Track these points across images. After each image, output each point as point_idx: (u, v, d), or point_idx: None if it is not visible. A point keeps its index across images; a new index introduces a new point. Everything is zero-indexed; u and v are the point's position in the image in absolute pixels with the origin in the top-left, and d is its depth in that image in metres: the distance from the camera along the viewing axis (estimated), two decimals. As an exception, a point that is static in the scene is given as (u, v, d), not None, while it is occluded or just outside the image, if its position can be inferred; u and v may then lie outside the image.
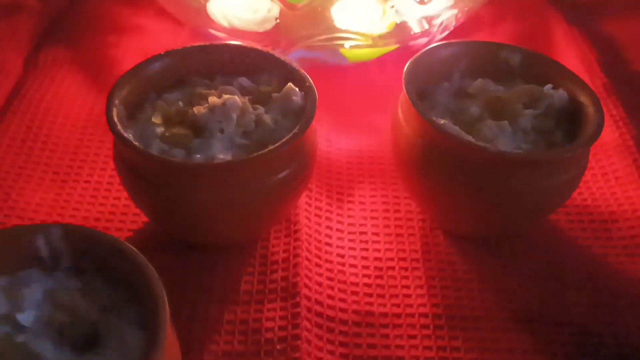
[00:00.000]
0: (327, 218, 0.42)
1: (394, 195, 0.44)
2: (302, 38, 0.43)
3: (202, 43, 0.40)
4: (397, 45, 0.47)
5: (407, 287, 0.39)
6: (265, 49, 0.40)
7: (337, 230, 0.42)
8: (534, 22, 0.59)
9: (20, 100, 0.49)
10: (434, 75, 0.41)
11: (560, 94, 0.39)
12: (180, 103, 0.37)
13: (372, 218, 0.42)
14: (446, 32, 0.49)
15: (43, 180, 0.44)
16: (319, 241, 0.41)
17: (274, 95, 0.37)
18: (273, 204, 0.36)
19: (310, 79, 0.37)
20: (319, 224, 0.42)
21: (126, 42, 0.56)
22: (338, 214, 0.42)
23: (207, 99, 0.36)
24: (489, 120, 0.37)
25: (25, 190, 0.43)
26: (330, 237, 0.41)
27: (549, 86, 0.39)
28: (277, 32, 0.47)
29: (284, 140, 0.34)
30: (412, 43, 0.46)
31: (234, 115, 0.35)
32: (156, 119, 0.35)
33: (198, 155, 0.34)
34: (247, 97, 0.37)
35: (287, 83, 0.38)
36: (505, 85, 0.41)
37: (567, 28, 0.58)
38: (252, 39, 0.47)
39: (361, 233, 0.41)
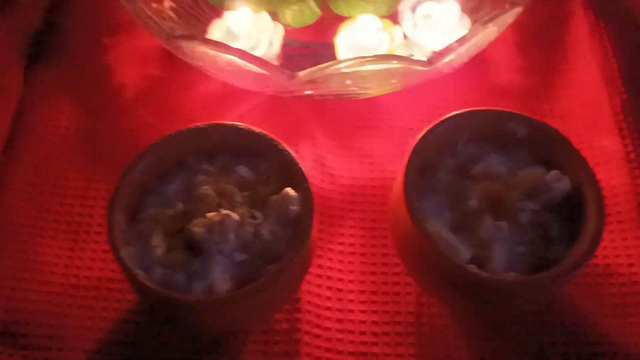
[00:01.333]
0: (328, 277, 0.44)
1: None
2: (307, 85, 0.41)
3: (200, 124, 0.39)
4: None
5: (401, 356, 0.41)
6: (263, 133, 0.39)
7: (337, 290, 0.44)
8: (554, 17, 0.54)
9: (24, 133, 0.49)
10: (437, 146, 0.40)
11: (564, 184, 0.38)
12: (181, 204, 0.37)
13: (371, 273, 0.44)
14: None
15: (56, 233, 0.45)
16: (319, 306, 0.43)
17: (272, 198, 0.37)
18: (273, 301, 0.38)
19: (307, 179, 0.37)
20: (320, 285, 0.43)
21: (120, 44, 0.54)
22: (338, 270, 0.44)
23: (206, 201, 0.37)
24: (486, 219, 0.37)
25: (41, 246, 0.45)
26: (330, 299, 0.43)
27: (552, 174, 0.38)
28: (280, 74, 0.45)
29: (281, 264, 0.35)
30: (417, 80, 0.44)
31: (232, 235, 0.35)
32: (156, 241, 0.36)
33: (197, 284, 0.35)
34: (245, 192, 0.38)
35: (285, 177, 0.38)
36: (509, 157, 0.40)
37: (590, 26, 0.54)
38: (252, 80, 0.45)
39: (360, 292, 0.43)
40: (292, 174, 0.38)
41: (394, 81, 0.43)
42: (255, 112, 0.50)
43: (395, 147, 0.48)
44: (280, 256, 0.36)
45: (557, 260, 0.37)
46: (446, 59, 0.40)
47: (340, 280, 0.44)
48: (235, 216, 0.36)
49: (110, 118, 0.50)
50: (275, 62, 0.45)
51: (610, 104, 0.50)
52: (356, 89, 0.43)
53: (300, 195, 0.37)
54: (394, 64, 0.39)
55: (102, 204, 0.47)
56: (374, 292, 0.43)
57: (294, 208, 0.37)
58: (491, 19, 0.40)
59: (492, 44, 0.46)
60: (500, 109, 0.40)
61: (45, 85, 0.52)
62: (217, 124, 0.40)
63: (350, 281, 0.44)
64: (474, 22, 0.47)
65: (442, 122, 0.40)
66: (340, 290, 0.43)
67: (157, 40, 0.45)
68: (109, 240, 0.36)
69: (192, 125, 0.39)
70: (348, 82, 0.40)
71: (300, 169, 0.38)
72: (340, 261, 0.44)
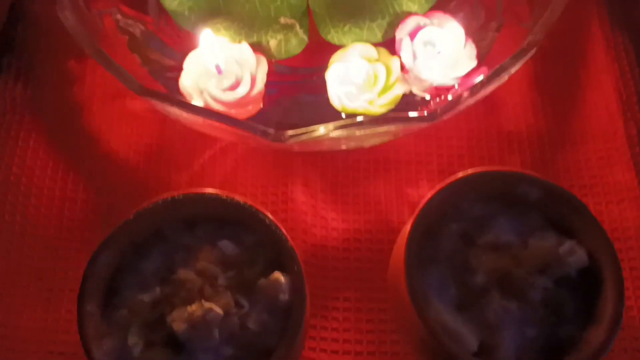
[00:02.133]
0: (322, 338, 0.41)
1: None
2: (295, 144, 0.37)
3: (181, 193, 0.35)
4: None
5: None
6: (248, 204, 0.35)
7: (332, 352, 0.41)
8: (568, 37, 0.49)
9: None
10: (441, 209, 0.36)
11: (579, 259, 0.35)
12: (159, 290, 0.34)
13: (368, 332, 0.41)
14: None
15: (28, 290, 0.42)
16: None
17: (260, 283, 0.34)
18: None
19: (298, 260, 0.34)
20: (313, 348, 0.41)
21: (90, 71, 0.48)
22: (333, 329, 0.41)
23: (187, 287, 0.33)
24: (494, 297, 0.34)
25: (14, 304, 0.41)
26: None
27: (567, 247, 0.35)
28: (266, 117, 0.41)
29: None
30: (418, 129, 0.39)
31: (216, 332, 0.32)
32: (133, 339, 0.33)
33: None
34: (230, 273, 0.34)
35: (273, 255, 0.34)
36: (519, 220, 0.36)
37: (607, 47, 0.48)
38: (232, 136, 0.40)
39: (357, 353, 0.41)
40: (281, 253, 0.34)
41: (392, 135, 0.39)
42: (241, 152, 0.45)
43: (394, 193, 0.45)
44: (270, 349, 0.33)
45: (571, 340, 0.34)
46: (451, 113, 0.36)
47: (335, 340, 0.41)
48: (218, 310, 0.32)
49: (81, 164, 0.46)
50: (259, 103, 0.41)
51: (627, 134, 0.46)
52: (351, 144, 0.39)
53: (291, 280, 0.34)
54: (391, 128, 0.34)
55: (74, 255, 0.43)
56: (371, 354, 0.41)
57: (284, 296, 0.33)
58: (504, 69, 0.35)
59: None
60: (511, 168, 0.36)
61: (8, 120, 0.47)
62: (196, 194, 0.35)
63: (346, 341, 0.41)
64: (479, 42, 0.42)
65: (447, 186, 0.36)
66: (335, 352, 0.41)
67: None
68: (80, 337, 0.33)
69: (168, 196, 0.35)
70: (341, 142, 0.36)
71: (290, 247, 0.34)
72: (335, 318, 0.41)
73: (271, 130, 0.35)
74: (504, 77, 0.36)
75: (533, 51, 0.37)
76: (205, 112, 0.35)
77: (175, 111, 0.35)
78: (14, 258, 0.43)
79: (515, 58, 0.36)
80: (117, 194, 0.45)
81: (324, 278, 0.42)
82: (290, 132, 0.34)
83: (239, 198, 0.35)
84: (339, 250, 0.43)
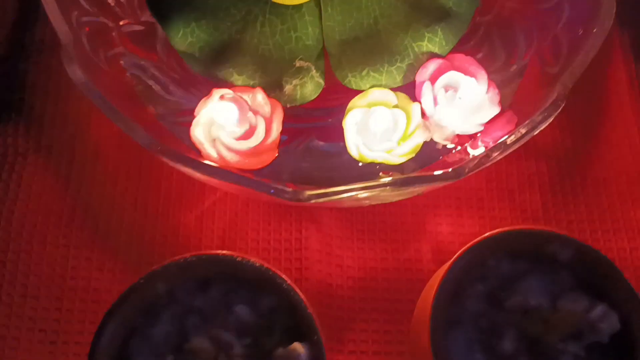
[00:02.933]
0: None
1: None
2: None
3: (190, 256, 0.33)
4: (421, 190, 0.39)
5: None
6: (264, 266, 0.33)
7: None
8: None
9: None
10: (467, 270, 0.35)
11: (611, 324, 0.33)
12: (171, 357, 0.32)
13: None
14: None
15: (31, 343, 0.40)
16: None
17: (277, 354, 0.32)
18: None
19: (318, 328, 0.32)
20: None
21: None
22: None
23: (201, 356, 0.32)
24: (523, 364, 0.33)
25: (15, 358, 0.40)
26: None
27: (598, 311, 0.33)
28: (280, 166, 0.39)
29: None
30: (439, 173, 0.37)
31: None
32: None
33: None
34: (245, 340, 0.32)
35: (291, 322, 0.32)
36: (548, 280, 0.35)
37: (631, 81, 0.47)
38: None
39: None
40: (299, 320, 0.32)
41: (416, 193, 0.37)
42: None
43: (412, 237, 0.43)
44: None
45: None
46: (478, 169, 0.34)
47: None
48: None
49: (86, 210, 0.44)
50: (274, 152, 0.39)
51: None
52: (373, 201, 0.37)
53: (310, 351, 0.32)
54: (416, 188, 0.33)
55: (79, 307, 0.41)
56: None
57: (304, 371, 0.32)
58: (534, 126, 0.34)
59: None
60: (540, 227, 0.35)
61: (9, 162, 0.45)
62: (209, 256, 0.34)
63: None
64: (502, 87, 0.41)
65: (474, 246, 0.34)
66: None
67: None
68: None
69: (179, 258, 0.34)
70: (362, 201, 0.34)
71: (309, 315, 0.32)
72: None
73: (288, 190, 0.33)
74: (534, 133, 0.35)
75: (563, 103, 0.35)
76: (218, 172, 0.33)
77: (186, 170, 0.33)
78: (16, 309, 0.41)
79: (546, 112, 0.34)
80: (123, 239, 0.43)
81: (340, 330, 0.41)
82: (308, 193, 0.32)
83: (254, 260, 0.33)
84: (356, 300, 0.42)
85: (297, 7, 0.41)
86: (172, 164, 0.34)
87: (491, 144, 0.37)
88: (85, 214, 0.43)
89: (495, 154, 0.34)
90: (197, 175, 0.33)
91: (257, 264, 0.33)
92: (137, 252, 0.43)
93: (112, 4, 0.43)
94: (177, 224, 0.44)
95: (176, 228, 0.43)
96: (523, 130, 0.35)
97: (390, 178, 0.33)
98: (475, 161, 0.34)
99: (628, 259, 0.43)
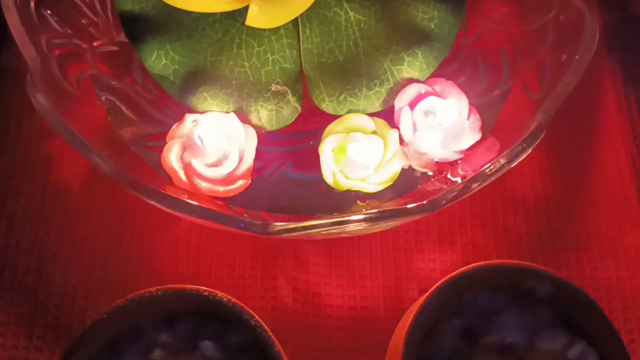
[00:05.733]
0: None
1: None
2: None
3: (156, 290, 0.32)
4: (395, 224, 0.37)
5: None
6: (232, 302, 0.32)
7: None
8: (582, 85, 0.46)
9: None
10: (442, 304, 0.34)
11: (590, 363, 0.32)
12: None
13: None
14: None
15: (-2, 373, 0.39)
16: None
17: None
18: None
19: (286, 367, 0.31)
20: None
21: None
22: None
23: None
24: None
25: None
26: None
27: (577, 350, 0.32)
28: (256, 196, 0.38)
29: None
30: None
31: None
32: None
33: None
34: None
35: (259, 357, 0.31)
36: (526, 315, 0.34)
37: (622, 103, 0.46)
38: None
39: None
40: (267, 357, 0.31)
41: (391, 226, 0.36)
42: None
43: (392, 265, 0.42)
44: None
45: None
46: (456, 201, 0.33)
47: None
48: None
49: (60, 237, 0.43)
50: (247, 179, 0.38)
51: (640, 201, 0.43)
52: (346, 235, 0.36)
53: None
54: (390, 222, 0.32)
55: (51, 335, 0.40)
56: None
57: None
58: (513, 156, 0.33)
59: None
60: (519, 262, 0.34)
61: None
62: (175, 290, 0.33)
63: None
64: (483, 112, 0.40)
65: (448, 282, 0.33)
66: None
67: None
68: None
69: (145, 292, 0.33)
70: (333, 231, 0.33)
71: (278, 353, 0.31)
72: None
73: (257, 222, 0.32)
74: (513, 164, 0.33)
75: (543, 133, 0.34)
76: (183, 205, 0.32)
77: (153, 203, 0.32)
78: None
79: (525, 143, 0.33)
80: (98, 265, 0.42)
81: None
82: (279, 227, 0.31)
83: (222, 295, 0.32)
84: (333, 330, 0.41)
85: (275, 29, 0.40)
86: (139, 195, 0.33)
87: (471, 173, 0.36)
88: (60, 239, 0.42)
89: (474, 185, 0.33)
90: (164, 209, 0.32)
91: (225, 299, 0.32)
92: (111, 282, 0.42)
93: (86, 23, 0.42)
94: (152, 248, 0.43)
95: (151, 252, 0.42)
96: (502, 161, 0.33)
97: (363, 214, 0.31)
98: (454, 193, 0.33)
99: (614, 288, 0.42)
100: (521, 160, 0.34)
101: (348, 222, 0.31)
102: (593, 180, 0.44)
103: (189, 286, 0.33)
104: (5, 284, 0.41)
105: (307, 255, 0.42)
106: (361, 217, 0.31)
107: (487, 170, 0.33)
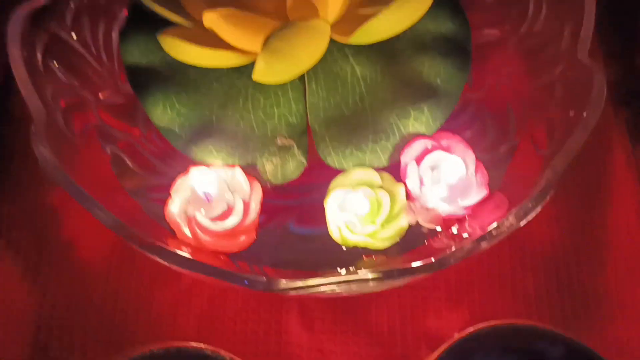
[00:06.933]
0: None
1: None
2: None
3: (157, 349, 0.32)
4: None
5: None
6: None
7: None
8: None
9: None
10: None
11: None
12: None
13: None
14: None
15: None
16: None
17: None
18: None
19: None
20: None
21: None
22: None
23: None
24: None
25: None
26: None
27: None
28: (260, 250, 0.37)
29: None
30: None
31: None
32: None
33: None
34: None
35: None
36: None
37: (630, 158, 0.46)
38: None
39: None
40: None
41: (397, 284, 0.35)
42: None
43: (398, 323, 0.41)
44: None
45: None
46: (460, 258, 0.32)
47: None
48: None
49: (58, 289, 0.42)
50: (252, 234, 0.37)
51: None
52: (353, 292, 0.36)
53: None
54: (395, 281, 0.31)
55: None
56: None
57: None
58: (523, 215, 0.32)
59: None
60: (530, 322, 0.33)
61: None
62: (178, 349, 0.32)
63: None
64: (490, 168, 0.39)
65: (455, 344, 0.32)
66: None
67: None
68: None
69: (146, 349, 0.32)
70: (338, 290, 0.32)
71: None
72: None
73: (262, 279, 0.31)
74: (522, 223, 0.33)
75: (553, 190, 0.33)
76: (185, 262, 0.31)
77: (154, 258, 0.31)
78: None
79: (535, 201, 0.33)
80: (95, 321, 0.41)
81: None
82: (284, 285, 0.31)
83: (224, 353, 0.32)
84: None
85: (281, 84, 0.40)
86: (140, 250, 0.32)
87: (478, 229, 0.35)
88: (57, 292, 0.42)
89: (482, 243, 0.32)
90: (165, 264, 0.32)
91: (227, 358, 0.31)
92: (109, 335, 0.41)
93: (92, 74, 0.42)
94: (150, 303, 0.42)
95: (150, 308, 0.41)
96: (511, 219, 0.33)
97: (370, 273, 0.31)
98: (462, 252, 0.32)
99: (625, 349, 0.41)
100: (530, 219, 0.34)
101: (354, 281, 0.30)
102: (603, 238, 0.44)
103: (190, 344, 0.32)
104: (1, 335, 0.40)
105: (311, 311, 0.41)
106: (368, 276, 0.30)
107: (495, 229, 0.33)
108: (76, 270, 0.42)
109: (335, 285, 0.30)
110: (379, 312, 0.41)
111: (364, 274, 0.30)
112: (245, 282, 0.31)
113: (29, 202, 0.44)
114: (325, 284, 0.30)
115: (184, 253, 0.33)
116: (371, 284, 0.31)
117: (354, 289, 0.32)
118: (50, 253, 0.43)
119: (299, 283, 0.31)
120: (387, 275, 0.30)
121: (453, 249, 0.32)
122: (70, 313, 0.41)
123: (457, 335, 0.32)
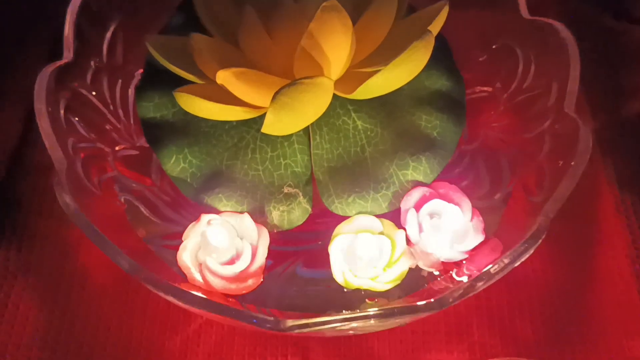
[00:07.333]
0: None
1: None
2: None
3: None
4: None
5: None
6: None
7: None
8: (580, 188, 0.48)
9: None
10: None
11: None
12: None
13: None
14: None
15: None
16: None
17: None
18: None
19: None
20: None
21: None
22: None
23: None
24: None
25: None
26: None
27: None
28: (267, 293, 0.39)
29: None
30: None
31: None
32: None
33: None
34: None
35: None
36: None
37: (619, 207, 0.48)
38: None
39: None
40: None
41: (399, 323, 0.37)
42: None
43: (409, 353, 0.42)
44: None
45: None
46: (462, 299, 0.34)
47: None
48: None
49: (70, 335, 0.44)
50: (259, 277, 0.39)
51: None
52: (355, 332, 0.37)
53: None
54: (399, 319, 0.32)
55: None
56: None
57: None
58: (517, 256, 0.34)
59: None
60: (524, 360, 0.34)
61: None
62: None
63: None
64: (486, 215, 0.41)
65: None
66: None
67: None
68: None
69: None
70: (346, 330, 0.34)
71: None
72: None
73: (270, 318, 0.33)
74: (516, 264, 0.35)
75: (544, 234, 0.35)
76: (198, 301, 0.33)
77: (168, 298, 0.33)
78: None
79: (527, 244, 0.35)
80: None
81: None
82: (291, 323, 0.32)
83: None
84: None
85: (287, 136, 0.43)
86: (155, 291, 0.34)
87: (476, 272, 0.37)
88: (70, 335, 0.43)
89: (479, 283, 0.34)
90: (179, 304, 0.33)
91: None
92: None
93: (110, 130, 0.45)
94: (161, 348, 0.43)
95: (160, 353, 0.43)
96: (506, 261, 0.35)
97: (374, 309, 0.32)
98: (460, 291, 0.34)
99: (623, 394, 0.42)
100: (524, 261, 0.35)
101: (359, 318, 0.32)
102: (596, 286, 0.45)
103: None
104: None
105: (316, 356, 0.42)
106: (371, 313, 0.32)
107: (491, 270, 0.35)
108: (90, 310, 0.44)
109: (340, 323, 0.32)
110: (381, 355, 0.43)
111: (368, 312, 0.32)
112: (254, 320, 0.33)
113: (46, 243, 0.46)
114: (330, 322, 0.32)
115: (197, 293, 0.34)
116: (374, 322, 0.33)
117: (358, 327, 0.34)
118: (66, 294, 0.44)
119: (306, 321, 0.32)
120: (389, 313, 0.32)
121: (452, 288, 0.34)
122: (83, 357, 0.43)
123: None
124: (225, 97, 0.39)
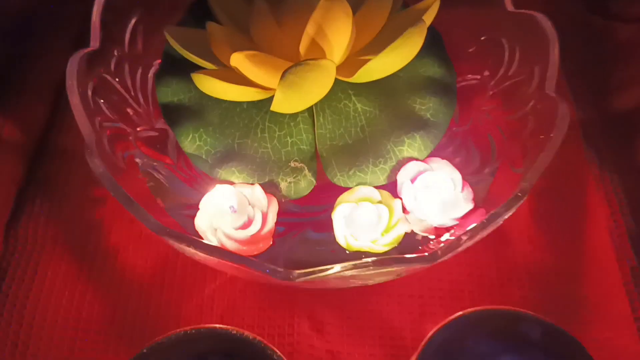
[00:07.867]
0: None
1: None
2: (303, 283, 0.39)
3: (193, 327, 0.37)
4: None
5: None
6: (257, 340, 0.36)
7: None
8: (562, 166, 0.53)
9: (2, 300, 0.46)
10: (444, 347, 0.38)
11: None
12: None
13: None
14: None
15: None
16: None
17: None
18: None
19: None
20: None
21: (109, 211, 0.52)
22: None
23: None
24: None
25: None
26: None
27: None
28: (276, 253, 0.43)
29: None
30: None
31: None
32: None
33: None
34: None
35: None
36: (522, 358, 0.38)
37: (599, 184, 0.52)
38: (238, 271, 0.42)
39: None
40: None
41: (395, 274, 0.41)
42: (249, 282, 0.47)
43: (398, 326, 0.46)
44: None
45: None
46: (451, 254, 0.38)
47: None
48: None
49: (96, 293, 0.48)
50: (269, 240, 0.43)
51: (621, 272, 0.48)
52: (357, 282, 0.41)
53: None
54: (395, 268, 0.36)
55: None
56: None
57: None
58: (499, 215, 0.38)
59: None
60: (512, 308, 0.38)
61: (30, 244, 0.49)
62: (207, 329, 0.37)
63: None
64: (475, 185, 0.45)
65: (448, 325, 0.37)
66: None
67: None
68: None
69: (180, 330, 0.37)
70: (347, 281, 0.38)
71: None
72: None
73: (280, 269, 0.37)
74: (499, 222, 0.39)
75: (525, 197, 0.39)
76: (219, 252, 0.37)
77: (190, 251, 0.37)
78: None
79: (509, 204, 0.39)
80: (128, 323, 0.46)
81: None
82: (298, 272, 0.36)
83: (248, 333, 0.37)
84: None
85: (293, 117, 0.47)
86: (177, 245, 0.38)
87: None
88: (94, 298, 0.47)
89: (465, 238, 0.38)
90: (199, 255, 0.37)
91: (251, 337, 0.36)
92: (140, 334, 0.46)
93: (131, 113, 0.49)
94: (179, 307, 0.47)
95: (178, 312, 0.47)
96: (491, 219, 0.39)
97: (372, 258, 0.36)
98: (447, 245, 0.38)
99: (604, 348, 0.46)
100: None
101: (359, 266, 0.36)
102: (579, 254, 0.49)
103: (218, 325, 0.37)
104: (44, 340, 0.45)
105: (321, 314, 0.46)
106: (370, 261, 0.36)
107: (475, 227, 0.39)
108: (113, 279, 0.48)
109: (341, 271, 0.36)
110: (380, 319, 0.46)
111: (366, 260, 0.36)
112: (267, 270, 0.37)
113: (70, 221, 0.50)
114: (334, 271, 0.36)
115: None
116: (372, 270, 0.36)
117: (358, 274, 0.37)
118: (91, 264, 0.48)
119: (310, 269, 0.36)
120: (384, 262, 0.36)
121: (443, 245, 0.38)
122: (106, 318, 0.46)
123: (441, 323, 0.37)
124: (238, 80, 0.43)
